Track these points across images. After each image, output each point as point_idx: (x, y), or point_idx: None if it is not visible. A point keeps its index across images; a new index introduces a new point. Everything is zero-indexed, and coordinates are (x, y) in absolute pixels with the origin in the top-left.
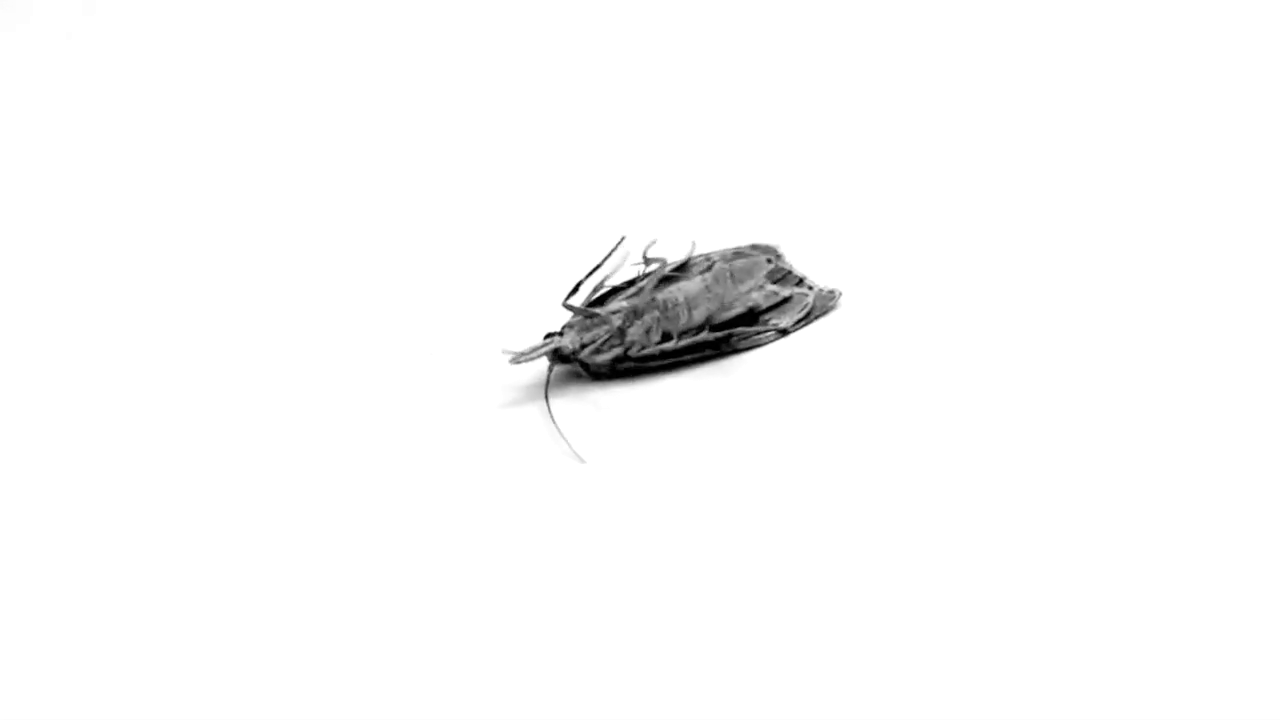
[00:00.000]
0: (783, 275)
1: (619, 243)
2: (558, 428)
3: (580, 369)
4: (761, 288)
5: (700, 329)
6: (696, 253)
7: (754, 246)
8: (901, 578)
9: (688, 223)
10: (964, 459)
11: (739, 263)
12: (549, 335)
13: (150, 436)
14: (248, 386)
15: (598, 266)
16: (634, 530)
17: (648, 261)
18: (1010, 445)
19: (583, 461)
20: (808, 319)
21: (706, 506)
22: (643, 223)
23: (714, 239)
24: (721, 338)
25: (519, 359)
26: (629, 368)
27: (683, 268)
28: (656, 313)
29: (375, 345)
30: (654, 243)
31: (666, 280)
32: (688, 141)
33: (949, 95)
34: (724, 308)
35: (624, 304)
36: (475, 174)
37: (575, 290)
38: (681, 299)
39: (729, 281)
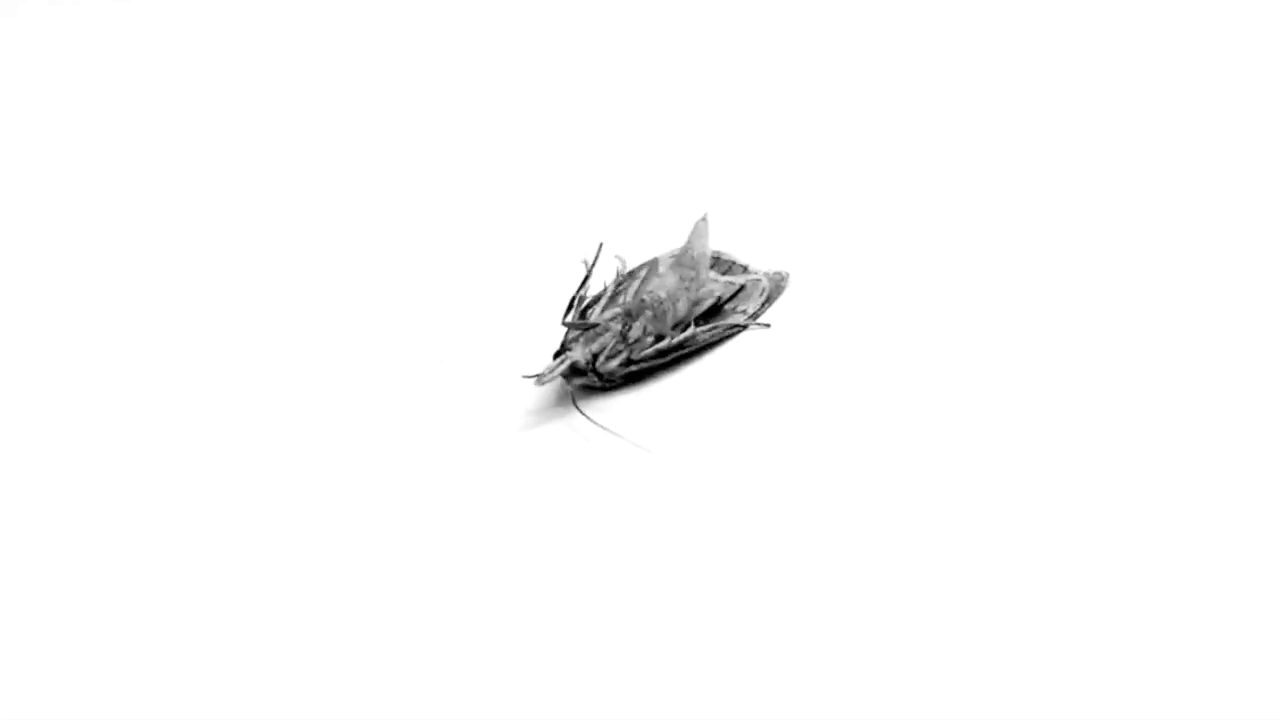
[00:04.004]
0: (729, 266)
1: (599, 250)
2: (607, 429)
3: (594, 379)
4: (716, 280)
5: (687, 324)
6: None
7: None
8: (940, 541)
9: (611, 226)
10: (953, 423)
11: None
12: (558, 354)
13: (166, 463)
14: (272, 409)
15: (586, 278)
16: (718, 518)
17: (619, 283)
18: (986, 402)
19: (649, 452)
20: (769, 302)
21: (776, 489)
22: (571, 229)
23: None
24: (712, 330)
25: (541, 380)
26: (634, 371)
27: (632, 274)
28: (649, 312)
29: (374, 367)
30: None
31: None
32: (601, 147)
33: (849, 78)
34: (697, 301)
35: (616, 309)
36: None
37: (570, 308)
38: (664, 295)
39: (693, 273)
